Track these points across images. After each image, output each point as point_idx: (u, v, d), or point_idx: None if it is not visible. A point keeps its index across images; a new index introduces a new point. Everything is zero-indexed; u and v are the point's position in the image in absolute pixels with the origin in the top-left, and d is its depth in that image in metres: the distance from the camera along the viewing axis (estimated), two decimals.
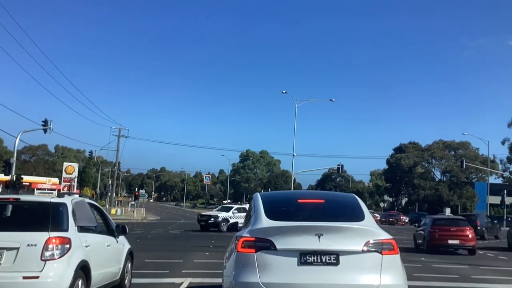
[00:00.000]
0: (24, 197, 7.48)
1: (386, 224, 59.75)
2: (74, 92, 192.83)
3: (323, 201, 6.54)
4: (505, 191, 57.20)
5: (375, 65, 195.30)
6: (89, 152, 73.47)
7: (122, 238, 9.23)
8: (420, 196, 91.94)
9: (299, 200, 6.55)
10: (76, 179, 70.97)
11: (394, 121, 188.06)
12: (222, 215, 36.22)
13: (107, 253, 8.29)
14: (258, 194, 6.73)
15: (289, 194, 8.30)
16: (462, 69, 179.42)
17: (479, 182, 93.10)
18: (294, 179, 66.76)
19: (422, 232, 22.48)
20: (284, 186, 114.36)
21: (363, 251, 5.33)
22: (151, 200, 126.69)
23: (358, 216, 5.94)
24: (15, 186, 31.54)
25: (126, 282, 9.30)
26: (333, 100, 62.69)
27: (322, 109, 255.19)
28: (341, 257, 5.29)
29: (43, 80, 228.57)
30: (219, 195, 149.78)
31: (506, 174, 79.12)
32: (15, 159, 34.58)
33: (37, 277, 6.24)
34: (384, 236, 5.51)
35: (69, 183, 65.23)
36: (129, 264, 9.62)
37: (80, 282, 6.77)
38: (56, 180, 75.05)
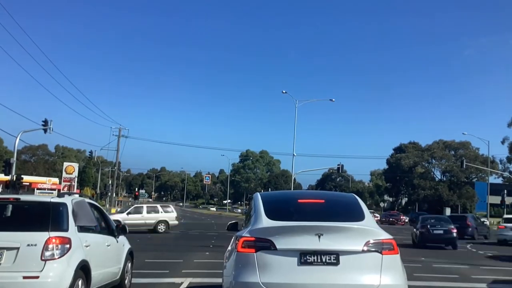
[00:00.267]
0: (24, 197, 7.47)
1: (386, 224, 59.78)
2: (74, 92, 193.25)
3: (323, 201, 6.54)
4: (505, 191, 57.19)
5: (375, 65, 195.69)
6: (89, 152, 73.52)
7: (122, 238, 9.22)
8: (420, 196, 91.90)
9: (299, 200, 6.54)
10: (76, 179, 71.03)
11: (394, 121, 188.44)
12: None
13: (107, 253, 8.29)
14: (258, 194, 6.73)
15: (289, 194, 8.30)
16: (462, 69, 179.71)
17: (479, 182, 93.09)
18: (294, 179, 66.78)
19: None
20: (284, 186, 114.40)
21: (363, 251, 5.33)
22: (150, 200, 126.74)
23: (358, 216, 5.93)
24: (15, 186, 31.53)
25: (126, 282, 9.29)
26: (333, 100, 62.81)
27: (322, 109, 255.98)
28: (341, 257, 5.29)
29: (43, 80, 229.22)
30: (219, 195, 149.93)
31: (506, 174, 79.06)
32: (15, 159, 34.58)
33: (37, 277, 6.24)
34: (384, 236, 5.51)
35: (69, 183, 65.25)
36: (129, 264, 9.62)
37: (80, 282, 6.77)
38: (56, 180, 75.08)
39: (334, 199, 6.99)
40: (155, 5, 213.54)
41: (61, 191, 34.98)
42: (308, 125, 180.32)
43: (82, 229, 7.22)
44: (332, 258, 5.28)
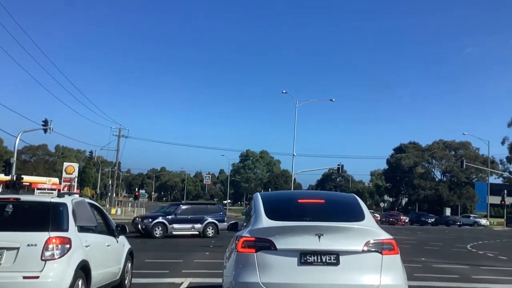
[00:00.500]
0: (24, 197, 7.47)
1: (386, 224, 59.76)
2: (74, 92, 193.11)
3: (323, 201, 6.54)
4: (505, 191, 57.31)
5: (375, 65, 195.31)
6: (89, 152, 73.66)
7: (122, 238, 9.23)
8: (420, 196, 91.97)
9: (299, 200, 6.54)
10: (76, 179, 70.89)
11: (394, 121, 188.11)
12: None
13: (107, 253, 8.29)
14: (258, 194, 6.73)
15: (289, 194, 8.29)
16: (462, 69, 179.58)
17: (479, 182, 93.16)
18: (294, 179, 66.82)
19: None
20: (284, 186, 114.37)
21: (363, 251, 5.33)
22: (151, 201, 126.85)
23: (358, 216, 5.94)
24: (15, 186, 31.55)
25: (126, 282, 9.29)
26: (333, 100, 62.92)
27: (322, 109, 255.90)
28: (341, 257, 5.29)
29: (43, 80, 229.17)
30: (219, 195, 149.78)
31: (506, 174, 79.14)
32: (15, 159, 34.60)
33: (37, 277, 6.23)
34: (384, 236, 5.51)
35: (69, 183, 65.16)
36: (129, 264, 9.62)
37: (80, 282, 6.76)
38: (56, 180, 75.03)
39: (334, 199, 6.99)
40: (155, 5, 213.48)
41: (61, 191, 34.98)
42: (308, 125, 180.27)
43: (82, 229, 7.21)
44: (332, 258, 5.28)
